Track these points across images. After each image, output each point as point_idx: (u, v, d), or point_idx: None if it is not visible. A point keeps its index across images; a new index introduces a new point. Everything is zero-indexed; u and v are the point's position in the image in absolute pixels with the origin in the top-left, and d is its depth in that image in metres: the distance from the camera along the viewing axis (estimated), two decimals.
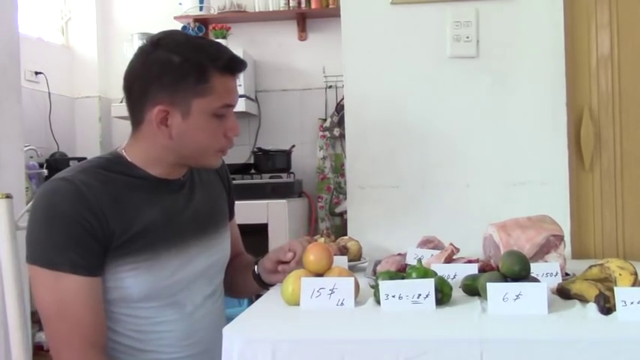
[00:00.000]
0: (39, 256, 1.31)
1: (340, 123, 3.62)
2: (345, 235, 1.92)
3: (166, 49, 1.36)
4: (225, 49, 1.42)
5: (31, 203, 1.37)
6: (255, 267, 1.59)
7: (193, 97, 1.35)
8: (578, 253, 1.92)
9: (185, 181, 1.49)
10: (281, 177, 3.62)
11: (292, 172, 3.69)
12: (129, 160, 1.42)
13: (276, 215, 3.20)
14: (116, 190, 1.36)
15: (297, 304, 1.26)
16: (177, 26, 3.79)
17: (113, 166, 1.40)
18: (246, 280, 1.61)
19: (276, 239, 3.08)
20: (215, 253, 1.53)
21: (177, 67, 1.34)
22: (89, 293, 1.31)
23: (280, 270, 1.50)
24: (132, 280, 1.35)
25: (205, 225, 1.50)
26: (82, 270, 1.30)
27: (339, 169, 3.76)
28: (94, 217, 1.30)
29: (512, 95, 1.95)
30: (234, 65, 1.40)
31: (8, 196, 1.46)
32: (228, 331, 1.13)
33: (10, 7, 2.36)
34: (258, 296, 1.50)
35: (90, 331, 1.32)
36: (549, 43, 1.92)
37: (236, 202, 1.70)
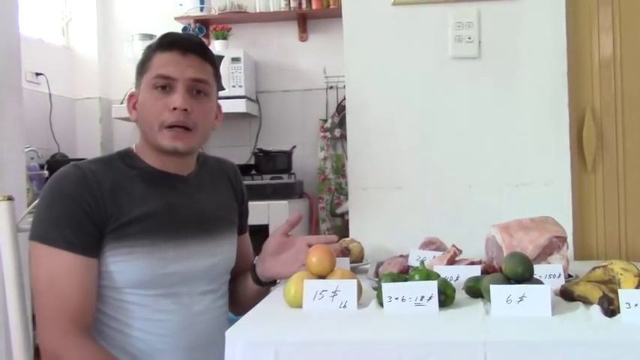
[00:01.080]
0: (38, 232, 1.37)
1: (341, 123, 3.62)
2: (347, 235, 1.92)
3: None
4: (176, 34, 1.51)
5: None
6: (255, 258, 1.61)
7: (141, 76, 1.48)
8: (580, 255, 1.91)
9: (190, 179, 1.53)
10: (282, 178, 3.61)
11: (293, 173, 3.69)
12: (136, 153, 1.50)
13: (277, 216, 3.19)
14: (119, 179, 1.43)
15: (300, 306, 1.25)
16: (178, 27, 3.79)
17: (122, 158, 1.49)
18: (246, 285, 1.61)
19: None
20: (216, 254, 1.53)
21: (140, 59, 1.50)
22: (80, 272, 1.35)
23: (289, 237, 1.54)
24: (128, 264, 1.39)
25: (208, 227, 1.52)
26: (76, 248, 1.35)
27: (340, 170, 3.76)
28: (94, 200, 1.37)
29: (514, 96, 1.94)
30: (172, 42, 1.47)
31: (10, 198, 1.47)
32: (230, 333, 1.12)
33: (10, 8, 2.36)
34: None
35: (76, 309, 1.34)
36: (551, 44, 1.91)
37: None
